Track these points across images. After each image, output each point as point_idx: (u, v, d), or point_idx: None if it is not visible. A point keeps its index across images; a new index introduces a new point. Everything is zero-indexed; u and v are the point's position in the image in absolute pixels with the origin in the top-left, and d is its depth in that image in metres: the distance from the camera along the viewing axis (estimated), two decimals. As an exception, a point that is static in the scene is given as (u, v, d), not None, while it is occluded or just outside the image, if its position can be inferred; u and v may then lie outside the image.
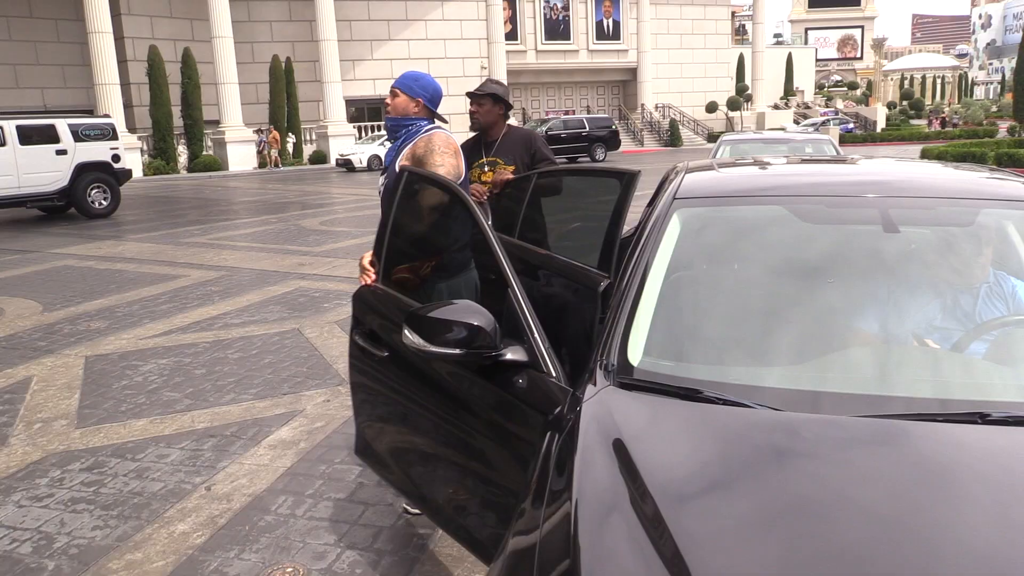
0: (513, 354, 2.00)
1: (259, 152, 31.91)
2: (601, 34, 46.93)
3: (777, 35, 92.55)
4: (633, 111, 47.32)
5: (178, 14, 33.93)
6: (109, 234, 13.18)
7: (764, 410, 1.65)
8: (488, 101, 4.13)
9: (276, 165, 31.75)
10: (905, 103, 64.95)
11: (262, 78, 33.11)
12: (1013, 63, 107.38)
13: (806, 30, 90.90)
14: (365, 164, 29.83)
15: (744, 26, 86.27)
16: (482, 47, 40.09)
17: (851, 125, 48.30)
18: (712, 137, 46.41)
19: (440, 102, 3.38)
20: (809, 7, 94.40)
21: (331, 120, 34.68)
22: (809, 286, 2.15)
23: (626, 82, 49.28)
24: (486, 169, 4.20)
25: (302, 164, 33.63)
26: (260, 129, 31.79)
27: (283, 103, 32.68)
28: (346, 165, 30.07)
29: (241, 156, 31.41)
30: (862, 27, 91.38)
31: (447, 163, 3.14)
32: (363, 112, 38.66)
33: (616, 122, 37.81)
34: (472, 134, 4.36)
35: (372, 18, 37.98)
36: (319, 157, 34.15)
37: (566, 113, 42.13)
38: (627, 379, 1.85)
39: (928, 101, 74.39)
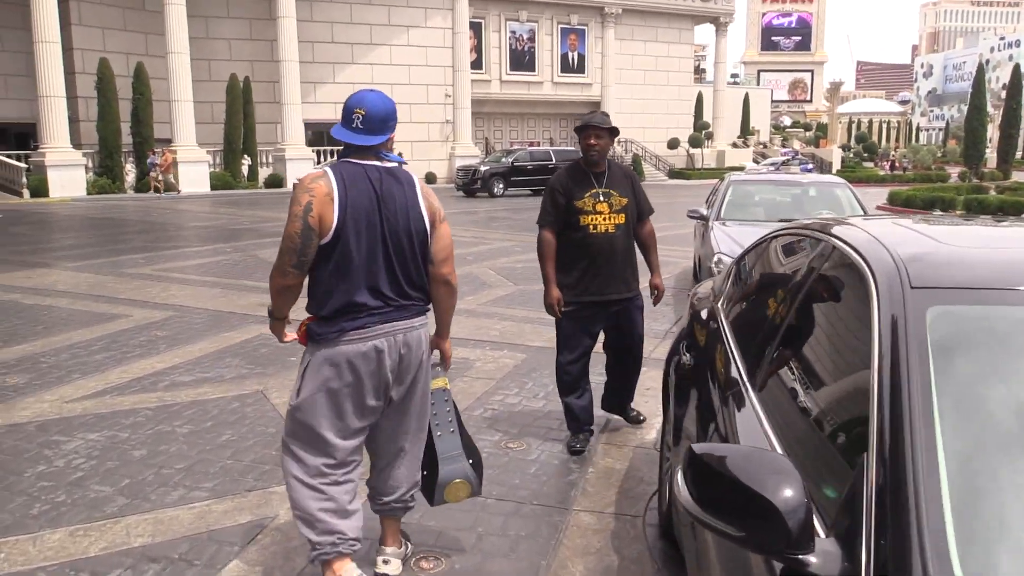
0: (825, 564, 1.22)
1: (149, 175, 28.56)
2: (566, 67, 46.69)
3: (733, 75, 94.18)
4: (596, 145, 47.07)
5: (132, 27, 32.54)
6: (41, 260, 11.90)
7: None
8: (607, 134, 4.15)
9: (168, 190, 28.40)
10: (859, 146, 66.18)
11: (218, 97, 31.80)
12: (953, 111, 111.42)
13: (759, 72, 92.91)
14: (324, 190, 28.62)
15: (700, 65, 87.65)
16: (447, 75, 39.38)
17: (810, 165, 48.68)
18: (674, 173, 46.34)
19: (352, 117, 2.74)
20: (762, 50, 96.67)
21: (289, 143, 33.50)
22: None
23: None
24: (601, 199, 4.17)
25: (257, 187, 32.32)
26: (153, 150, 28.92)
27: (239, 124, 31.41)
28: (304, 190, 28.85)
29: (194, 177, 29.95)
30: (812, 71, 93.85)
31: (288, 216, 2.63)
32: (322, 136, 37.50)
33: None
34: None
35: (335, 40, 37.02)
36: (275, 181, 32.88)
37: (531, 144, 41.57)
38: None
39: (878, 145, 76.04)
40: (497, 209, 23.03)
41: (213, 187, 30.35)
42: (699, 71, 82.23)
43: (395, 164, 2.81)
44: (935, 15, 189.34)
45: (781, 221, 8.36)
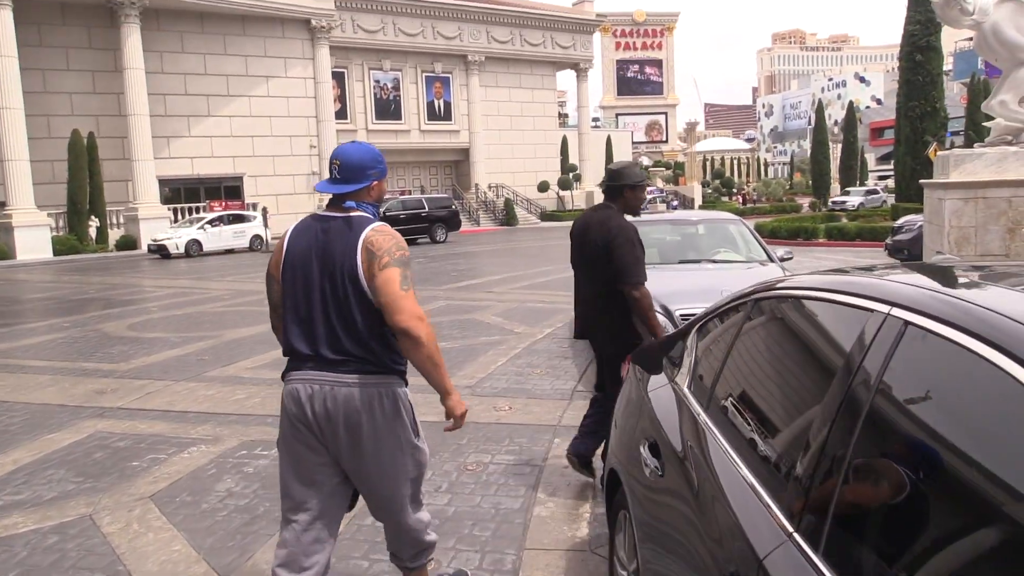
0: None
1: None
2: (432, 115, 46.43)
3: (595, 119, 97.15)
4: (467, 190, 46.84)
5: (-46, 83, 29.65)
6: None
7: None
8: None
9: None
10: (717, 181, 69.24)
11: (60, 155, 29.33)
12: (794, 146, 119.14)
13: (617, 116, 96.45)
14: (182, 250, 26.81)
15: (561, 111, 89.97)
16: (311, 125, 38.19)
17: (675, 202, 50.37)
18: (546, 216, 46.64)
19: (331, 169, 2.80)
20: (618, 95, 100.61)
21: (142, 201, 31.25)
22: None
23: (459, 162, 48.93)
24: None
25: (107, 251, 29.86)
26: None
27: (84, 183, 29.00)
28: (160, 251, 26.86)
29: (33, 243, 27.31)
30: (666, 113, 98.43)
31: None
32: (179, 193, 35.35)
33: (454, 202, 36.93)
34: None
35: (189, 92, 35.08)
36: (128, 242, 30.49)
37: (402, 193, 40.81)
38: None
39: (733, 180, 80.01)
40: (372, 261, 22.04)
41: (57, 252, 27.75)
42: (562, 116, 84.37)
43: (361, 213, 2.71)
44: (770, 59, 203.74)
45: (681, 263, 7.95)
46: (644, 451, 2.36)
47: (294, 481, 2.71)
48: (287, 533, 2.69)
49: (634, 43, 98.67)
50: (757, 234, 8.08)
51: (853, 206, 40.34)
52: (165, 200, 33.30)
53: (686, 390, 2.36)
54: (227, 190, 36.32)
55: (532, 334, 9.44)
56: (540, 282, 15.31)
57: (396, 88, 44.90)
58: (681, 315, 6.16)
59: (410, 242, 29.88)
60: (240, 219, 30.04)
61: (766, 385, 1.95)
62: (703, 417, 2.10)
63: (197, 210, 33.42)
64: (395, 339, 2.62)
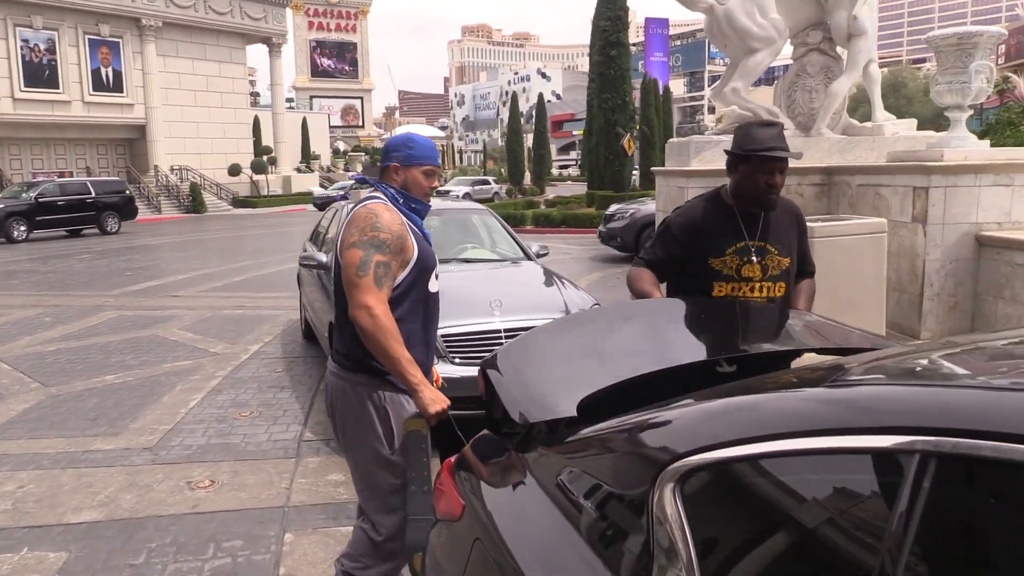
0: None
1: None
2: (99, 85, 40.22)
3: (289, 100, 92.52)
4: (145, 173, 41.43)
5: None
6: None
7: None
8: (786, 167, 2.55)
9: None
10: (419, 168, 69.41)
11: None
12: (486, 135, 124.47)
13: (311, 98, 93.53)
14: None
15: (253, 90, 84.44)
16: (-68, 89, 30.96)
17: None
18: (239, 202, 42.80)
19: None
20: (312, 76, 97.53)
21: None
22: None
23: (134, 140, 43.12)
24: (754, 260, 2.56)
25: None
26: None
27: None
28: None
29: None
30: (361, 98, 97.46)
31: None
32: None
33: (128, 186, 32.15)
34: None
35: None
36: None
37: (61, 175, 34.75)
38: None
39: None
40: (19, 259, 17.91)
41: None
42: (254, 95, 78.98)
43: (370, 192, 2.62)
44: (461, 51, 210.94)
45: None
46: None
47: None
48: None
49: (328, 24, 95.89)
50: (508, 225, 6.99)
51: (457, 196, 41.61)
52: None
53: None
54: None
55: (234, 354, 7.52)
56: (237, 281, 13.13)
57: (51, 51, 38.18)
58: (443, 335, 4.81)
59: (73, 234, 25.44)
60: None
61: None
62: None
63: None
64: None
